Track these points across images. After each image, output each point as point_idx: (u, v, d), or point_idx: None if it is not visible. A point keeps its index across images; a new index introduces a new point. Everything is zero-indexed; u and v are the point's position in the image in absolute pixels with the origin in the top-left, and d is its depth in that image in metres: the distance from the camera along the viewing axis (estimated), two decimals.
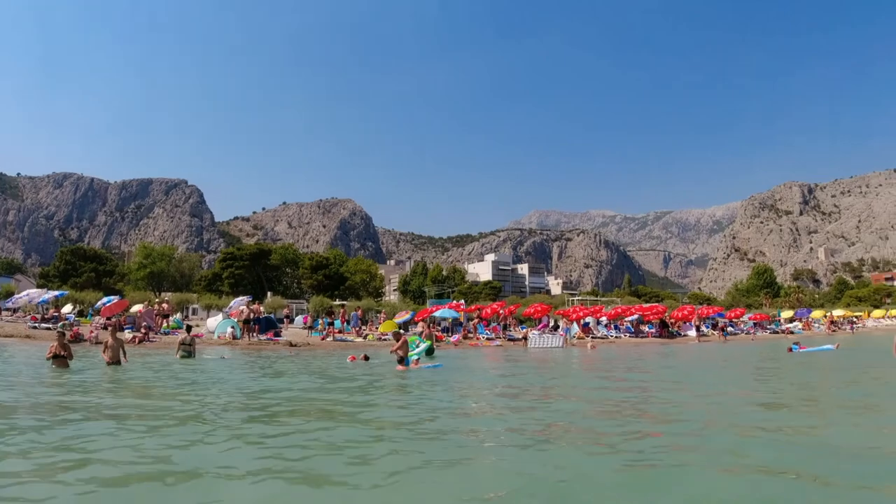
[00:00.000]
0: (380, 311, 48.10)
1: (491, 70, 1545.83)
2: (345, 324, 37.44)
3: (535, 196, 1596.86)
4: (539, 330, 42.22)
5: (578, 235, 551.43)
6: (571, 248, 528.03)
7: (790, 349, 26.88)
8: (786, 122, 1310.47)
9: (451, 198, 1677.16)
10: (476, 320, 41.90)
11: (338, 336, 33.76)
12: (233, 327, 31.81)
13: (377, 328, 37.47)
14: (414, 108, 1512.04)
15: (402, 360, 17.02)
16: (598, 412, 9.23)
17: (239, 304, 35.99)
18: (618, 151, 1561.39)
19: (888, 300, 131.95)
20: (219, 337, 31.35)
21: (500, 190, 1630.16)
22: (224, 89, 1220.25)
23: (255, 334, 31.43)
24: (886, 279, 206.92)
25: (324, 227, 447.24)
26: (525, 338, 36.40)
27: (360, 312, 39.81)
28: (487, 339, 37.07)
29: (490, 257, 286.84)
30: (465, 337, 36.80)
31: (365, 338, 34.40)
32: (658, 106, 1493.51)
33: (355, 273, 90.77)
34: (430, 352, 23.39)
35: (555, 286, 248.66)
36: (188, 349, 20.70)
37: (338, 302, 54.80)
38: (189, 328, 25.19)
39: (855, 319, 77.74)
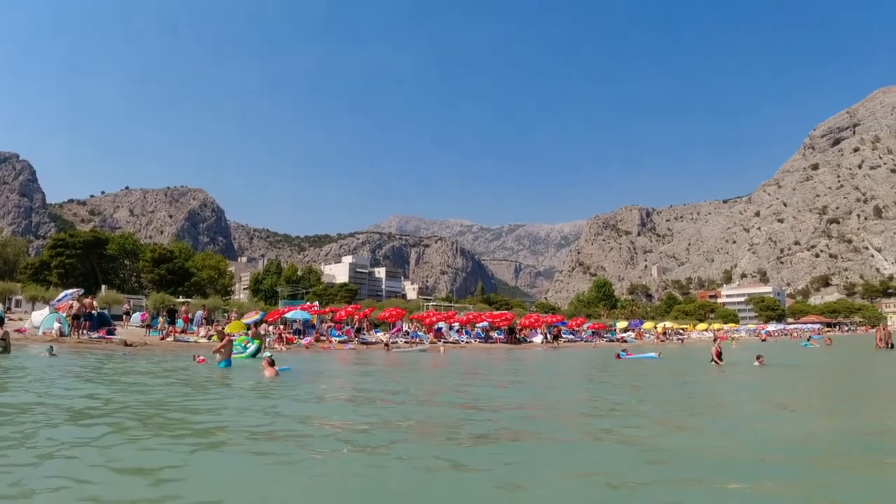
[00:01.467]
0: (227, 311, 45.95)
1: (355, 73, 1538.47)
2: (188, 323, 35.28)
3: (396, 201, 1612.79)
4: (393, 334, 42.34)
5: (436, 242, 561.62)
6: (429, 255, 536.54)
7: (618, 355, 28.87)
8: (628, 151, 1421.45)
9: (311, 197, 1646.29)
10: (329, 323, 41.21)
11: (179, 336, 31.76)
12: (60, 322, 28.89)
13: (223, 328, 35.67)
14: (276, 103, 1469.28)
15: (272, 364, 15.96)
16: (443, 412, 9.28)
17: (68, 297, 32.69)
18: (476, 165, 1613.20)
19: (711, 315, 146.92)
20: (44, 333, 28.32)
21: (363, 193, 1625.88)
22: (63, 52, 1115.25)
23: (85, 331, 28.75)
24: (710, 297, 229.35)
25: (170, 217, 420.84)
26: (386, 343, 36.25)
27: (205, 312, 37.69)
28: (340, 342, 36.52)
29: (348, 259, 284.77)
30: (317, 340, 36.01)
31: (209, 338, 32.61)
32: (518, 129, 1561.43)
33: (202, 269, 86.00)
34: (258, 353, 22.57)
35: (411, 291, 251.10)
36: (2, 344, 18.53)
37: (181, 299, 51.71)
38: (1, 321, 22.59)
39: (682, 331, 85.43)
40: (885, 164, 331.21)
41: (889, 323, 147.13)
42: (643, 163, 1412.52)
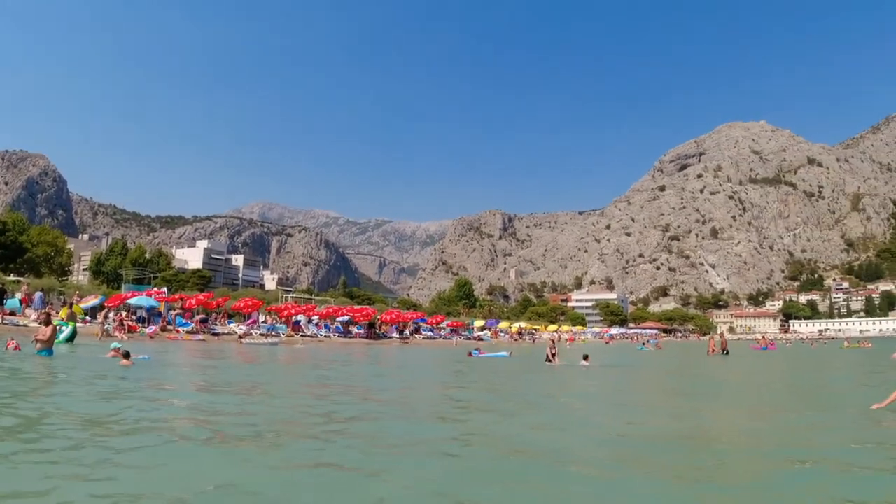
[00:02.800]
0: (63, 293, 42.16)
1: (221, 47, 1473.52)
2: (26, 305, 31.86)
3: (260, 186, 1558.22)
4: (248, 325, 40.79)
5: (300, 232, 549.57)
6: (292, 244, 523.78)
7: (470, 354, 29.52)
8: (496, 157, 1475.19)
9: (167, 174, 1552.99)
10: (178, 311, 38.94)
11: (7, 318, 28.61)
12: None
13: (58, 313, 32.58)
14: (131, 66, 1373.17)
15: (127, 355, 14.74)
16: (297, 410, 8.98)
17: None
18: (347, 157, 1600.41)
19: (562, 317, 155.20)
20: None
21: (224, 174, 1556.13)
22: None
23: None
24: (562, 300, 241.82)
25: (6, 184, 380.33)
26: (241, 335, 34.72)
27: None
28: (188, 332, 34.60)
29: (203, 244, 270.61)
30: (162, 329, 33.88)
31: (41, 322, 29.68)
32: (391, 125, 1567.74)
33: (38, 244, 78.18)
34: (72, 337, 21.12)
35: (270, 281, 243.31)
36: None
37: (12, 278, 46.74)
38: None
39: (534, 332, 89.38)
40: (723, 190, 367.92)
41: (719, 331, 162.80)
42: (509, 170, 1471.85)
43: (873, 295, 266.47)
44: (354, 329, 49.55)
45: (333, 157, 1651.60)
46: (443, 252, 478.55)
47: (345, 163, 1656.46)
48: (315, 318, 48.47)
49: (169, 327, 34.76)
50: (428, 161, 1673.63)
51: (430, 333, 60.83)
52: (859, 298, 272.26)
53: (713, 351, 36.74)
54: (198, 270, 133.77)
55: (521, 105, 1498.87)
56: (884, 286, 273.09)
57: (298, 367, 20.56)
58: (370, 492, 4.69)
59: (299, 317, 46.18)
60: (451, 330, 67.15)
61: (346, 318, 50.58)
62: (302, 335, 41.84)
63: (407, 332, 55.65)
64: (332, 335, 45.89)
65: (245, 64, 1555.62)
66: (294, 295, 78.62)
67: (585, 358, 23.19)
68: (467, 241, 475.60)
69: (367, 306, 67.88)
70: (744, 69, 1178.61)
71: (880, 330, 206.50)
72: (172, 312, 38.11)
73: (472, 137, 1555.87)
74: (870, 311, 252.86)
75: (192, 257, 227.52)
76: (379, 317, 55.88)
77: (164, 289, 46.85)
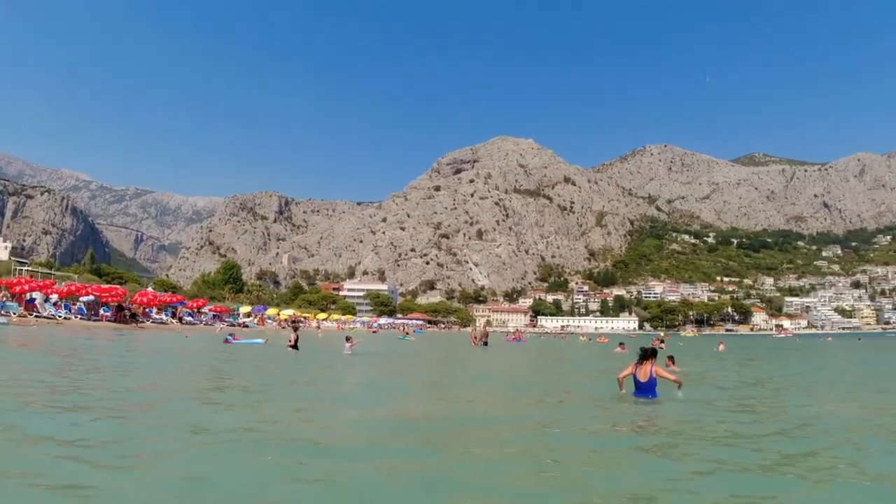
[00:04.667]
0: None
1: None
2: None
3: None
4: None
5: (43, 194, 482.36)
6: (31, 208, 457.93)
7: (227, 340, 29.13)
8: (277, 138, 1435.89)
9: None
10: None
11: None
12: None
13: None
14: None
15: None
16: (27, 398, 8.24)
17: None
18: (102, 108, 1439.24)
19: (333, 306, 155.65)
20: None
21: None
22: None
23: None
24: (334, 289, 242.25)
25: None
26: None
27: None
28: None
29: None
30: None
31: None
32: (166, 83, 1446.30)
33: None
34: None
35: (1, 250, 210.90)
36: None
37: None
38: None
39: (303, 319, 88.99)
40: (491, 197, 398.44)
41: (480, 322, 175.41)
42: (290, 152, 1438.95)
43: (608, 298, 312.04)
44: (101, 311, 45.30)
45: (88, 106, 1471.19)
46: (210, 231, 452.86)
47: (101, 116, 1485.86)
48: (54, 296, 43.37)
49: None
50: (201, 127, 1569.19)
51: (190, 318, 57.66)
52: (596, 300, 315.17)
53: (475, 341, 38.89)
54: None
55: (308, 85, 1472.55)
56: (617, 291, 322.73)
57: (28, 352, 18.46)
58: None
59: (35, 294, 41.01)
60: (214, 315, 64.30)
61: (91, 297, 45.97)
62: (36, 315, 37.33)
63: (163, 316, 52.27)
64: (73, 317, 41.52)
65: None
66: (30, 268, 69.19)
67: (348, 339, 24.17)
68: (239, 222, 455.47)
69: (118, 286, 62.23)
70: (520, 90, 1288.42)
71: (612, 328, 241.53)
72: None
73: (251, 109, 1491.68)
74: (604, 311, 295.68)
75: None
76: (131, 297, 51.65)
77: None
